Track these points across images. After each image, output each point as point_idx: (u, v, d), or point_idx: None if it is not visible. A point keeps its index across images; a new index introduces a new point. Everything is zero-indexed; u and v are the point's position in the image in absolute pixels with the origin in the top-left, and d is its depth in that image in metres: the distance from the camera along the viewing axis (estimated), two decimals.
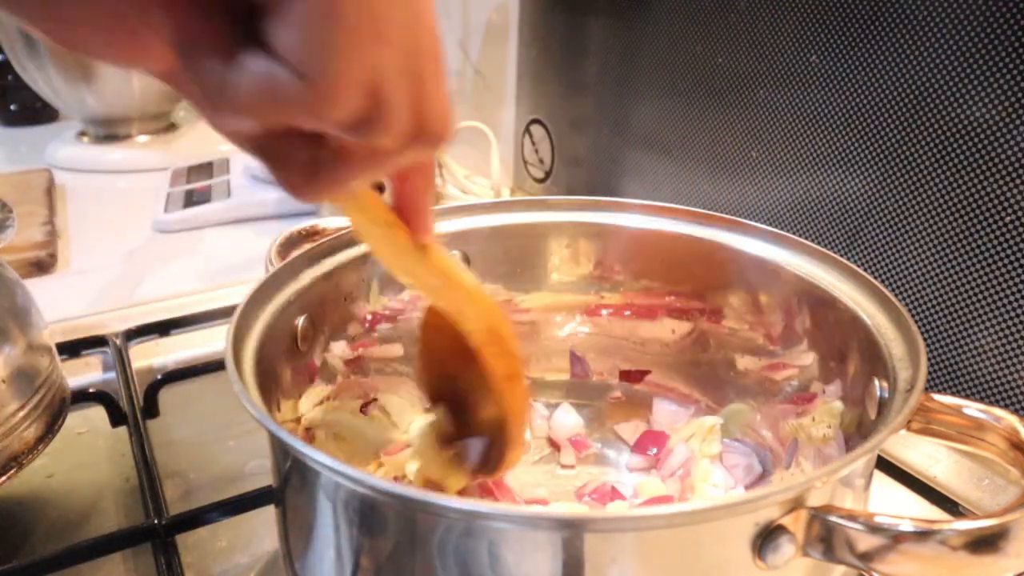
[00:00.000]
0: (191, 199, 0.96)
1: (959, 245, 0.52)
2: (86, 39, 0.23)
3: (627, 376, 0.55)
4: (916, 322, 0.38)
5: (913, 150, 0.54)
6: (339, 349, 0.48)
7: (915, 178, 0.54)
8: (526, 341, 0.56)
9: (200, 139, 1.19)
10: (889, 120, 0.55)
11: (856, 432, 0.41)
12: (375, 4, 0.22)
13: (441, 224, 0.51)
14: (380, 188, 0.36)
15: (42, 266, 0.81)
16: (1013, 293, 0.50)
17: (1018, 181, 0.48)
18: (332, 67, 0.21)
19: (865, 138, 0.57)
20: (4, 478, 0.44)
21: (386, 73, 0.23)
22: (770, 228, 0.48)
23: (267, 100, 0.22)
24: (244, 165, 1.02)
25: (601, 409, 0.55)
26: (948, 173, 0.52)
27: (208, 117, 0.23)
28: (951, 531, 0.27)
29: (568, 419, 0.54)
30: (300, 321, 0.44)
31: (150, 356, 0.67)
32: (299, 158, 0.25)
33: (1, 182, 1.02)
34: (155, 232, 0.94)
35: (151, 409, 0.58)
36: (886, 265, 0.57)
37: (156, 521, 0.45)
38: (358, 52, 0.22)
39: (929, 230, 0.54)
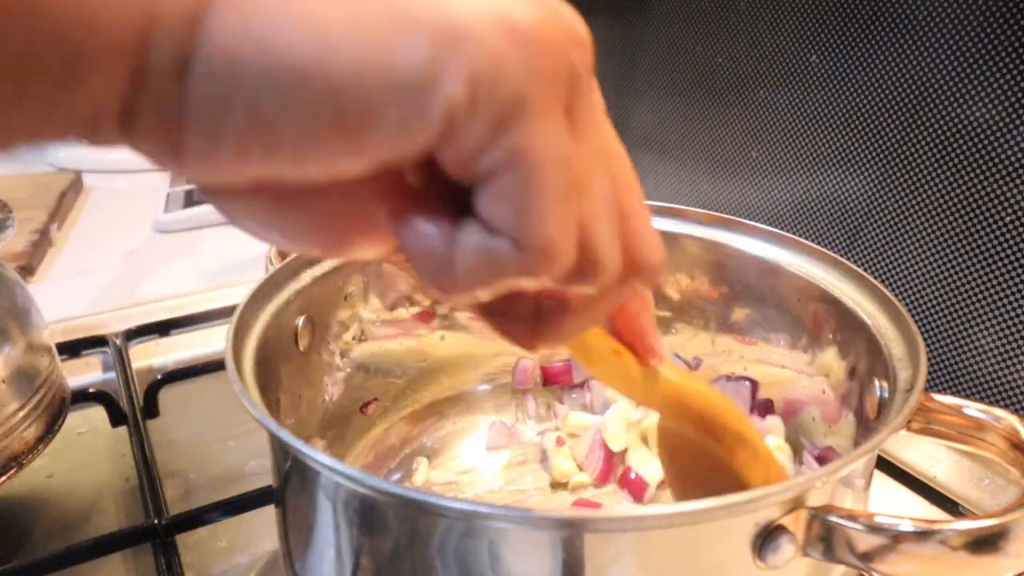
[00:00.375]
0: (191, 199, 0.96)
1: (959, 245, 0.52)
2: (319, 245, 0.24)
3: None
4: (916, 322, 0.38)
5: (913, 150, 0.54)
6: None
7: (915, 178, 0.54)
8: None
9: None
10: (889, 120, 0.55)
11: (856, 432, 0.41)
12: (575, 162, 0.22)
13: None
14: None
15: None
16: (1013, 293, 0.50)
17: (1018, 181, 0.48)
18: (545, 233, 0.22)
19: (865, 138, 0.57)
20: (4, 478, 0.44)
21: (594, 223, 0.24)
22: (770, 228, 0.48)
23: (487, 272, 0.22)
24: None
25: None
26: (948, 173, 0.52)
27: (439, 295, 0.23)
28: (951, 531, 0.27)
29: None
30: (300, 321, 0.44)
31: (150, 356, 0.67)
32: (523, 315, 0.27)
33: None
34: (155, 232, 0.94)
35: (151, 409, 0.58)
36: (886, 265, 0.57)
37: (156, 521, 0.45)
38: (566, 213, 0.22)
39: (929, 230, 0.54)
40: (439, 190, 0.23)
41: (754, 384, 0.50)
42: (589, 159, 0.23)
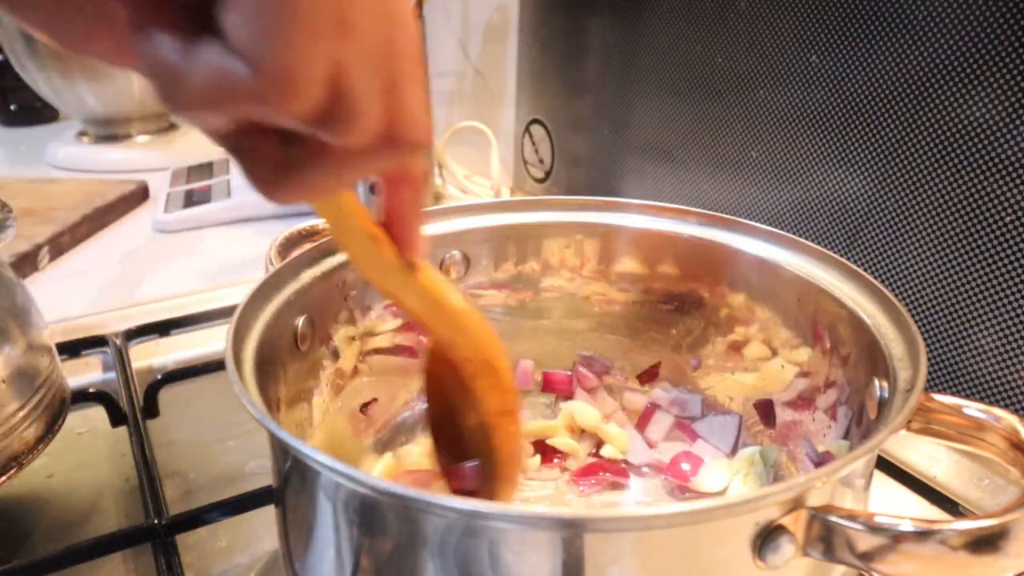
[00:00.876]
0: (191, 199, 0.96)
1: (959, 245, 0.52)
2: (61, 38, 0.24)
3: (642, 377, 0.55)
4: (916, 322, 0.38)
5: (913, 150, 0.54)
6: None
7: (915, 178, 0.54)
8: (529, 341, 0.56)
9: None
10: (889, 120, 0.55)
11: (856, 432, 0.41)
12: None
13: (441, 224, 0.51)
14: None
15: None
16: (1013, 293, 0.50)
17: (1018, 181, 0.48)
18: (283, 56, 0.21)
19: (865, 138, 0.57)
20: (4, 478, 0.44)
21: (350, 67, 0.22)
22: (770, 228, 0.48)
23: (219, 91, 0.21)
24: None
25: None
26: (948, 173, 0.52)
27: (170, 109, 0.22)
28: (951, 531, 0.27)
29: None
30: (300, 321, 0.44)
31: (150, 356, 0.67)
32: (269, 156, 0.25)
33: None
34: (155, 232, 0.94)
35: (151, 409, 0.58)
36: (886, 265, 0.57)
37: (156, 521, 0.45)
38: (312, 41, 0.21)
39: (929, 230, 0.54)
40: (197, 4, 0.22)
41: (768, 403, 0.50)
42: (365, 6, 0.22)
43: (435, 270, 0.36)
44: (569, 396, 0.56)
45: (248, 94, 0.21)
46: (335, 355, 0.48)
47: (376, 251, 0.33)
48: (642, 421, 0.53)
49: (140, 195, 1.03)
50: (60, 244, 0.87)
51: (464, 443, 0.40)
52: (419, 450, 0.52)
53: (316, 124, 0.23)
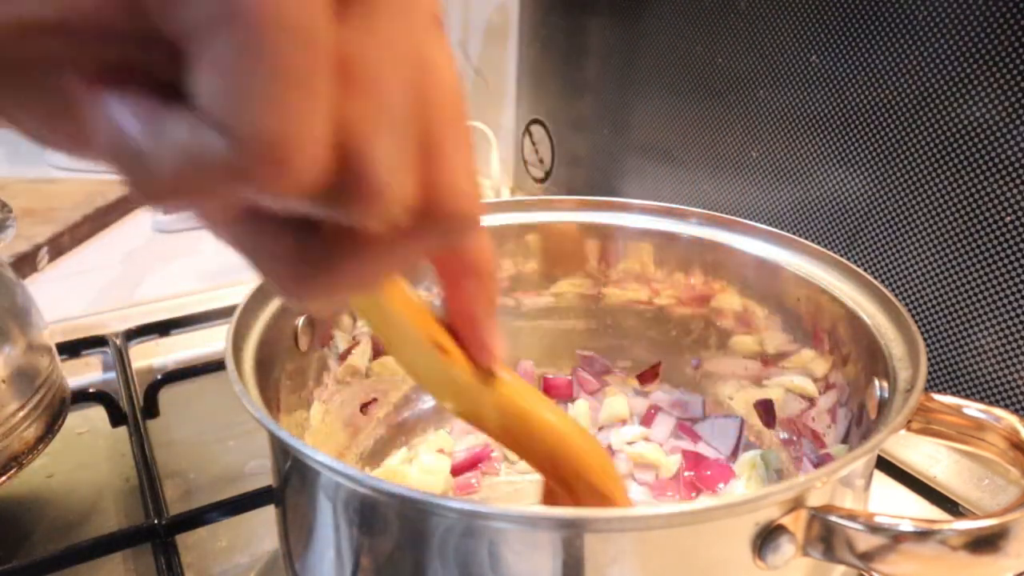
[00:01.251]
0: None
1: (959, 245, 0.52)
2: (29, 131, 0.19)
3: (642, 377, 0.55)
4: (916, 322, 0.38)
5: (913, 150, 0.54)
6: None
7: (915, 178, 0.54)
8: (529, 341, 0.56)
9: None
10: (889, 120, 0.55)
11: (856, 432, 0.41)
12: (333, 40, 0.17)
13: None
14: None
15: None
16: (1013, 293, 0.50)
17: (1018, 181, 0.48)
18: (262, 120, 0.16)
19: (865, 138, 0.57)
20: (4, 478, 0.44)
21: (362, 128, 0.18)
22: (770, 228, 0.48)
23: (192, 172, 0.17)
24: None
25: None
26: (948, 173, 0.52)
27: (141, 200, 0.18)
28: (951, 531, 0.27)
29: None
30: (300, 321, 0.44)
31: (150, 356, 0.67)
32: (283, 252, 0.20)
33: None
34: (155, 232, 0.94)
35: (151, 409, 0.58)
36: (886, 265, 0.57)
37: (156, 521, 0.45)
38: (302, 100, 0.16)
39: (929, 230, 0.54)
40: (147, 58, 0.17)
41: (767, 403, 0.50)
42: (376, 50, 0.18)
43: (519, 378, 0.29)
44: (569, 398, 0.56)
45: (226, 172, 0.17)
46: (336, 355, 0.48)
47: (441, 364, 0.27)
48: (644, 424, 0.53)
49: None
50: (60, 244, 0.87)
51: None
52: (434, 439, 0.52)
53: (328, 204, 0.18)
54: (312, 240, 0.20)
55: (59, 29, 0.17)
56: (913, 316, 0.43)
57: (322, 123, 0.17)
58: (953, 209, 0.52)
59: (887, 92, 0.55)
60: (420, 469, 0.49)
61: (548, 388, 0.56)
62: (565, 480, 0.31)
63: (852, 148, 0.58)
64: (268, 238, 0.20)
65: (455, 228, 0.21)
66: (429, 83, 0.20)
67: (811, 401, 0.46)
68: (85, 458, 0.56)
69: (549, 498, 0.33)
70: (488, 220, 0.53)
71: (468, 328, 0.28)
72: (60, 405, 0.50)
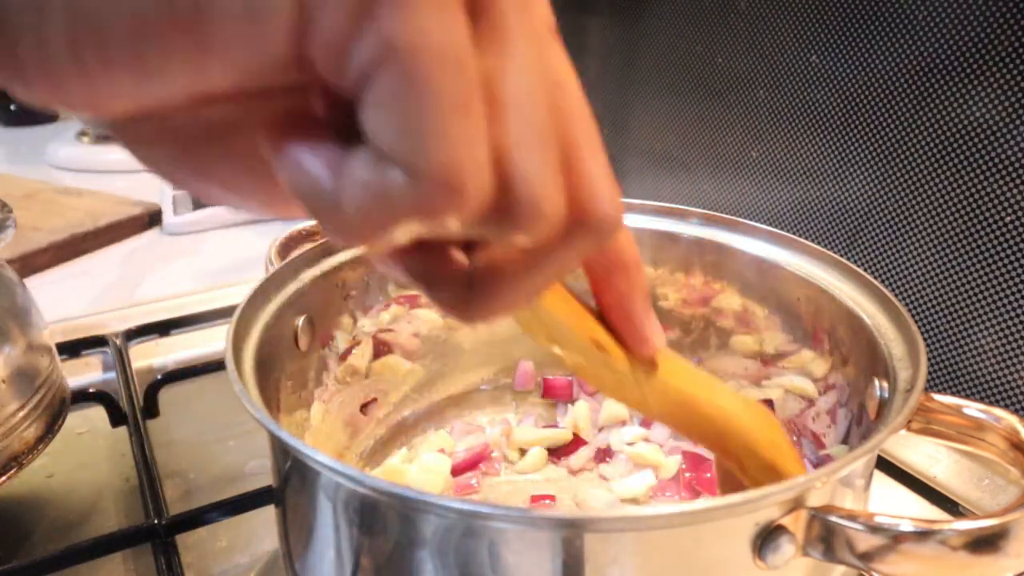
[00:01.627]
0: (199, 201, 0.96)
1: (959, 245, 0.52)
2: (228, 196, 0.21)
3: None
4: (916, 322, 0.38)
5: (913, 150, 0.54)
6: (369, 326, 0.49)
7: (915, 178, 0.54)
8: (529, 342, 0.56)
9: None
10: (889, 120, 0.55)
11: (856, 432, 0.41)
12: (476, 65, 0.18)
13: None
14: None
15: None
16: (1013, 293, 0.50)
17: (1018, 181, 0.48)
18: (439, 154, 0.17)
19: (865, 138, 0.57)
20: (4, 478, 0.44)
21: (518, 151, 0.19)
22: (770, 228, 0.48)
23: (380, 210, 0.18)
24: None
25: None
26: (948, 173, 0.52)
27: (341, 244, 0.20)
28: (951, 531, 0.27)
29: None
30: (300, 321, 0.44)
31: (150, 356, 0.67)
32: (452, 275, 0.22)
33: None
34: (161, 234, 0.94)
35: (151, 409, 0.58)
36: (886, 265, 0.57)
37: (156, 521, 0.45)
38: (466, 129, 0.17)
39: (929, 230, 0.54)
40: (346, 123, 0.18)
41: (767, 403, 0.50)
42: (512, 72, 0.19)
43: (680, 361, 0.30)
44: (569, 399, 0.56)
45: (411, 206, 0.18)
46: (336, 355, 0.48)
47: (601, 360, 0.28)
48: (644, 425, 0.53)
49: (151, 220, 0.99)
50: (62, 254, 0.86)
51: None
52: (434, 439, 0.52)
53: (492, 225, 0.20)
54: (475, 263, 0.21)
55: (237, 95, 0.18)
56: (913, 316, 0.44)
57: (484, 148, 0.18)
58: (953, 209, 0.52)
59: (887, 92, 0.55)
60: (420, 468, 0.49)
61: (548, 389, 0.56)
62: (736, 457, 0.31)
63: (852, 148, 0.58)
64: (439, 266, 0.22)
65: (603, 231, 0.22)
66: (560, 96, 0.21)
67: (811, 401, 0.46)
68: (85, 458, 0.56)
69: (726, 482, 0.34)
70: None
71: (623, 322, 0.29)
72: (60, 405, 0.50)
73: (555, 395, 0.56)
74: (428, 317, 0.53)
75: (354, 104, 0.18)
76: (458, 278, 0.22)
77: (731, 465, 0.32)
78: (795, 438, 0.48)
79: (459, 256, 0.22)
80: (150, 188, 1.04)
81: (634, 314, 0.29)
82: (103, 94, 0.18)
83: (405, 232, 0.19)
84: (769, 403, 0.50)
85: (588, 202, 0.21)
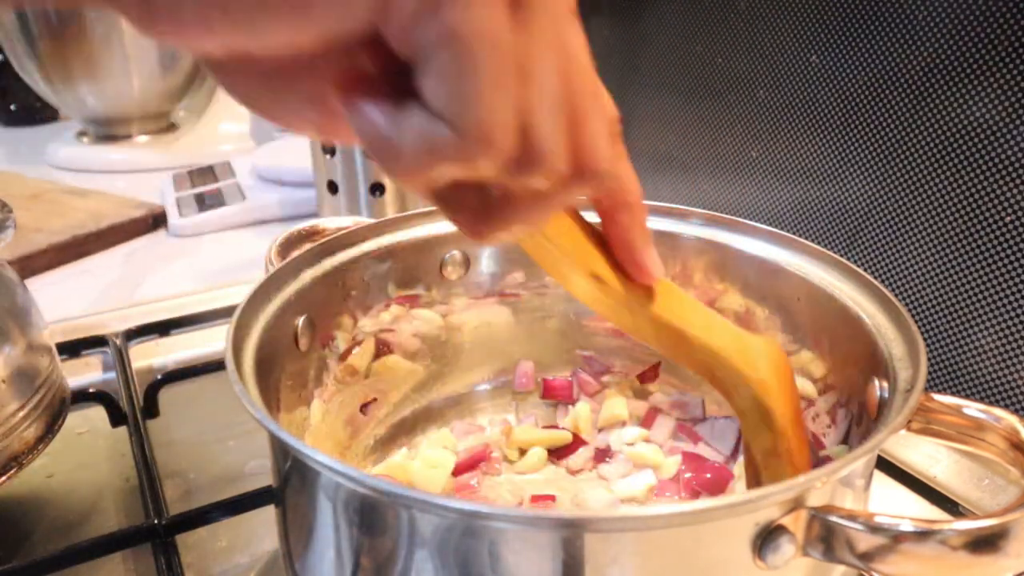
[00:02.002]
0: (203, 203, 0.96)
1: (959, 245, 0.52)
2: (263, 103, 0.26)
3: (643, 377, 0.55)
4: (916, 322, 0.38)
5: (913, 150, 0.54)
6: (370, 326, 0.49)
7: (915, 178, 0.54)
8: (530, 341, 0.56)
9: (199, 139, 1.19)
10: (889, 120, 0.55)
11: (856, 432, 0.41)
12: (514, 47, 0.22)
13: (441, 224, 0.51)
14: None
15: None
16: (1013, 293, 0.50)
17: (1018, 181, 0.48)
18: (480, 117, 0.22)
19: (865, 138, 0.57)
20: (4, 478, 0.44)
21: (535, 113, 0.24)
22: (770, 228, 0.48)
23: (428, 156, 0.23)
24: (250, 166, 1.02)
25: None
26: (948, 173, 0.52)
27: (392, 177, 0.25)
28: (951, 531, 0.27)
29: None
30: (300, 321, 0.44)
31: (150, 356, 0.67)
32: (471, 203, 0.27)
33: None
34: (166, 236, 0.94)
35: (151, 409, 0.58)
36: (886, 265, 0.57)
37: (156, 521, 0.45)
38: (502, 97, 0.23)
39: (929, 230, 0.54)
40: (396, 78, 0.23)
41: None
42: (536, 49, 0.23)
43: (678, 293, 0.33)
44: (569, 400, 0.56)
45: (453, 154, 0.23)
46: (336, 355, 0.48)
47: (598, 291, 0.32)
48: (645, 426, 0.53)
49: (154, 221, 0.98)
50: (63, 256, 0.86)
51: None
52: (435, 438, 0.52)
53: (511, 172, 0.25)
54: (492, 195, 0.26)
55: (319, 50, 0.23)
56: (913, 316, 0.43)
57: (513, 112, 0.23)
58: (953, 209, 0.52)
59: (887, 92, 0.55)
60: (424, 463, 0.49)
61: (548, 389, 0.56)
62: (724, 388, 0.34)
63: (852, 148, 0.58)
64: (461, 196, 0.26)
65: (597, 179, 0.27)
66: (572, 68, 0.25)
67: (810, 401, 0.46)
68: (85, 458, 0.56)
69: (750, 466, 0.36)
70: None
71: (625, 253, 0.33)
72: (60, 405, 0.50)
73: (555, 396, 0.56)
74: (428, 317, 0.53)
75: (412, 70, 0.23)
76: (475, 205, 0.27)
77: (720, 391, 0.34)
78: None
79: (478, 189, 0.26)
80: (150, 188, 1.04)
81: (634, 245, 0.33)
82: (216, 42, 0.22)
83: (444, 172, 0.24)
84: None
85: (588, 157, 0.26)
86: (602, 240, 0.33)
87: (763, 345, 0.35)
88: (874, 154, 0.57)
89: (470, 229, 0.27)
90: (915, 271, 0.55)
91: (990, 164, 0.50)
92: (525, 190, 0.26)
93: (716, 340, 0.33)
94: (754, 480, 0.37)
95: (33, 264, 0.82)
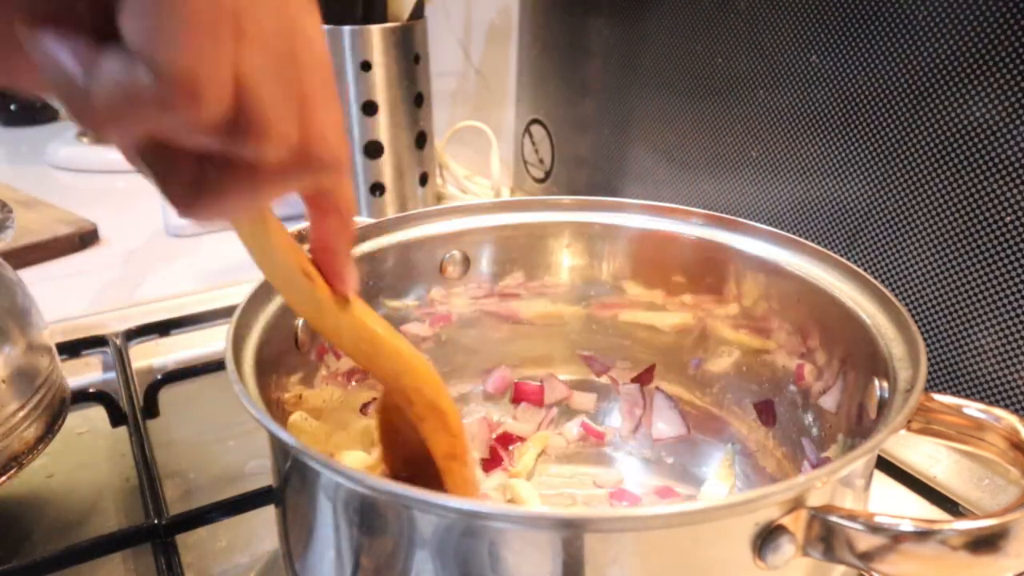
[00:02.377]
0: None
1: (959, 245, 0.52)
2: None
3: (638, 379, 0.55)
4: (916, 322, 0.38)
5: (913, 150, 0.54)
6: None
7: (915, 178, 0.54)
8: (529, 342, 0.56)
9: None
10: (889, 120, 0.55)
11: (856, 432, 0.41)
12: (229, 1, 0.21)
13: (441, 224, 0.51)
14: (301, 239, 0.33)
15: None
16: (1013, 293, 0.50)
17: (1018, 181, 0.48)
18: (181, 58, 0.20)
19: (865, 138, 0.57)
20: (4, 478, 0.44)
21: (251, 74, 0.22)
22: (770, 228, 0.48)
23: (125, 104, 0.20)
24: None
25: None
26: (948, 173, 0.52)
27: (83, 127, 0.22)
28: (951, 531, 0.27)
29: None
30: (300, 321, 0.44)
31: (150, 356, 0.67)
32: (183, 173, 0.24)
33: None
34: (161, 234, 0.94)
35: (151, 409, 0.58)
36: (886, 265, 0.57)
37: (156, 521, 0.45)
38: (208, 42, 0.20)
39: (929, 230, 0.54)
40: (106, 21, 0.21)
41: (767, 403, 0.50)
42: (264, 14, 0.22)
43: (370, 310, 0.34)
44: (540, 404, 0.56)
45: (154, 103, 0.20)
46: (336, 355, 0.48)
47: (307, 287, 0.32)
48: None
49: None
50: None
51: (420, 476, 0.39)
52: None
53: (225, 136, 0.22)
54: (208, 167, 0.24)
55: None
56: (913, 316, 0.44)
57: (226, 66, 0.21)
58: (953, 209, 0.52)
59: (887, 92, 0.55)
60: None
61: (519, 394, 0.56)
62: (405, 393, 0.35)
63: (852, 148, 0.58)
64: (173, 163, 0.24)
65: (322, 170, 0.26)
66: (298, 45, 0.24)
67: (811, 403, 0.46)
68: (85, 458, 0.56)
69: (384, 411, 0.40)
70: (488, 220, 0.53)
71: (328, 258, 0.32)
72: (60, 405, 0.50)
73: (526, 399, 0.56)
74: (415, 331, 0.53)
75: (114, 4, 0.20)
76: (188, 176, 0.24)
77: (400, 400, 0.35)
78: (795, 437, 0.48)
79: (193, 160, 0.24)
80: (151, 188, 1.04)
81: (339, 252, 0.32)
82: None
83: (145, 125, 0.21)
84: (769, 403, 0.50)
85: (315, 143, 0.25)
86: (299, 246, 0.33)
87: (428, 365, 0.37)
88: (874, 154, 0.57)
89: (179, 201, 0.25)
90: (915, 271, 0.55)
91: (990, 164, 0.50)
92: (243, 163, 0.24)
93: (404, 346, 0.35)
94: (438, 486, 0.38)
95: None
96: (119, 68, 0.20)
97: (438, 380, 0.36)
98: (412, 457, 0.39)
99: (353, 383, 0.49)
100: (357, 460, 0.45)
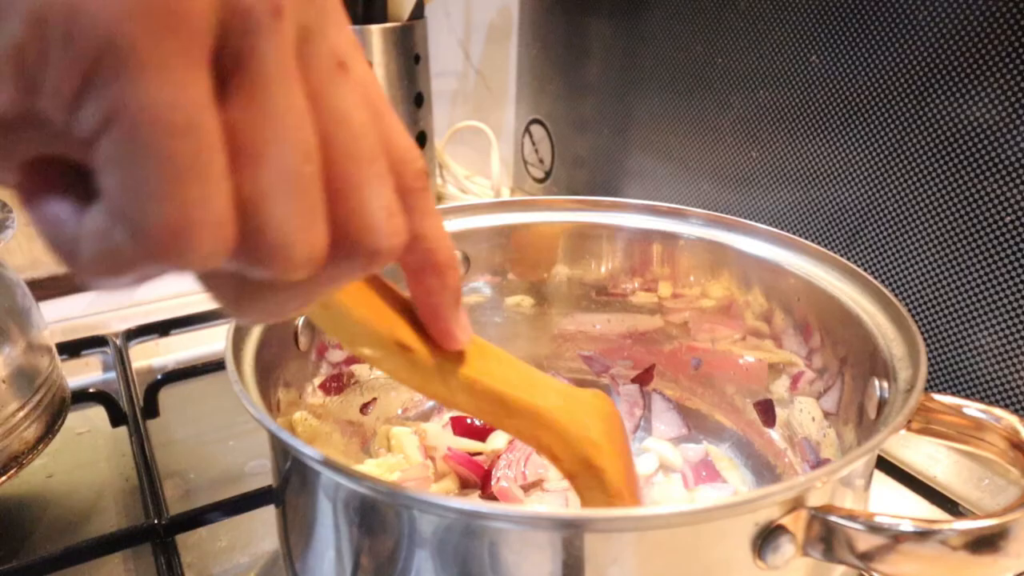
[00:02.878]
0: None
1: (959, 245, 0.52)
2: None
3: (638, 379, 0.55)
4: (916, 322, 0.38)
5: (913, 150, 0.54)
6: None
7: (915, 178, 0.54)
8: (530, 342, 0.56)
9: None
10: (889, 120, 0.55)
11: (856, 432, 0.41)
12: (216, 125, 0.18)
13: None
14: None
15: None
16: (1013, 293, 0.50)
17: (1018, 181, 0.48)
18: (158, 215, 0.17)
19: (865, 138, 0.57)
20: (4, 478, 0.44)
21: (264, 200, 0.19)
22: (770, 228, 0.48)
23: (110, 263, 0.18)
24: None
25: None
26: (948, 173, 0.52)
27: (79, 280, 0.20)
28: (951, 531, 0.27)
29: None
30: (300, 321, 0.44)
31: (150, 356, 0.67)
32: (223, 289, 0.22)
33: None
34: None
35: (151, 409, 0.58)
36: (886, 265, 0.57)
37: (156, 521, 0.45)
38: (194, 189, 0.18)
39: (929, 230, 0.54)
40: (65, 162, 0.19)
41: (767, 403, 0.50)
42: (268, 123, 0.19)
43: (493, 352, 0.31)
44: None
45: (140, 259, 0.18)
46: (335, 355, 0.48)
47: (404, 360, 0.28)
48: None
49: None
50: None
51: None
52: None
53: (244, 264, 0.20)
54: (244, 281, 0.22)
55: None
56: (913, 316, 0.44)
57: (221, 202, 0.18)
58: (953, 209, 0.52)
59: (887, 92, 0.55)
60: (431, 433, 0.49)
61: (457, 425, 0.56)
62: (550, 450, 0.32)
63: (852, 148, 0.58)
64: (206, 279, 0.22)
65: (374, 260, 0.23)
66: (332, 131, 0.21)
67: (811, 402, 0.46)
68: (85, 458, 0.56)
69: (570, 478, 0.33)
70: (488, 220, 0.53)
71: (432, 319, 0.29)
72: (60, 405, 0.50)
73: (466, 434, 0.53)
74: None
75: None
76: (230, 292, 0.22)
77: (547, 457, 0.32)
78: (795, 438, 0.48)
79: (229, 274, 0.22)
80: None
81: (441, 311, 0.29)
82: None
83: (144, 276, 0.19)
84: (769, 403, 0.50)
85: (358, 234, 0.22)
86: (404, 304, 0.30)
87: (592, 399, 0.34)
88: (874, 154, 0.57)
89: (231, 310, 0.23)
90: (915, 271, 0.55)
91: (990, 164, 0.50)
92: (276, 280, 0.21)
93: (539, 400, 0.31)
94: None
95: None
96: (99, 226, 0.18)
97: (590, 435, 0.32)
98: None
99: (353, 383, 0.49)
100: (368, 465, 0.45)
